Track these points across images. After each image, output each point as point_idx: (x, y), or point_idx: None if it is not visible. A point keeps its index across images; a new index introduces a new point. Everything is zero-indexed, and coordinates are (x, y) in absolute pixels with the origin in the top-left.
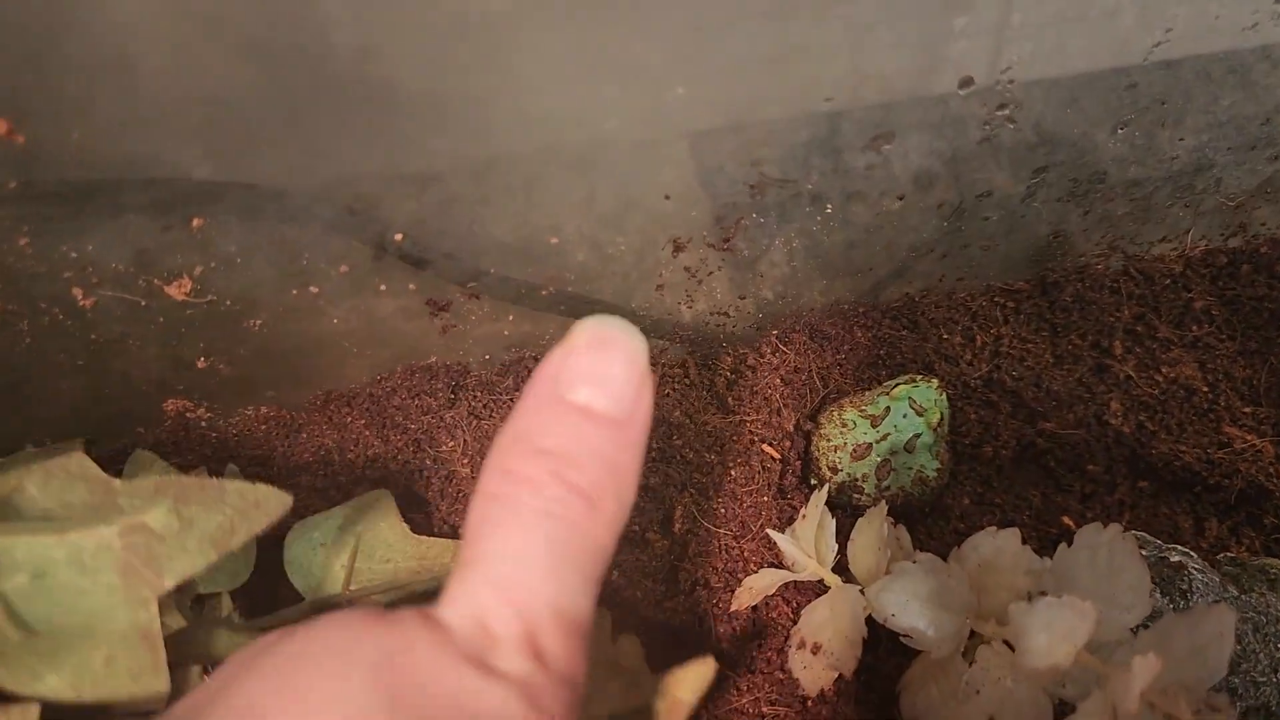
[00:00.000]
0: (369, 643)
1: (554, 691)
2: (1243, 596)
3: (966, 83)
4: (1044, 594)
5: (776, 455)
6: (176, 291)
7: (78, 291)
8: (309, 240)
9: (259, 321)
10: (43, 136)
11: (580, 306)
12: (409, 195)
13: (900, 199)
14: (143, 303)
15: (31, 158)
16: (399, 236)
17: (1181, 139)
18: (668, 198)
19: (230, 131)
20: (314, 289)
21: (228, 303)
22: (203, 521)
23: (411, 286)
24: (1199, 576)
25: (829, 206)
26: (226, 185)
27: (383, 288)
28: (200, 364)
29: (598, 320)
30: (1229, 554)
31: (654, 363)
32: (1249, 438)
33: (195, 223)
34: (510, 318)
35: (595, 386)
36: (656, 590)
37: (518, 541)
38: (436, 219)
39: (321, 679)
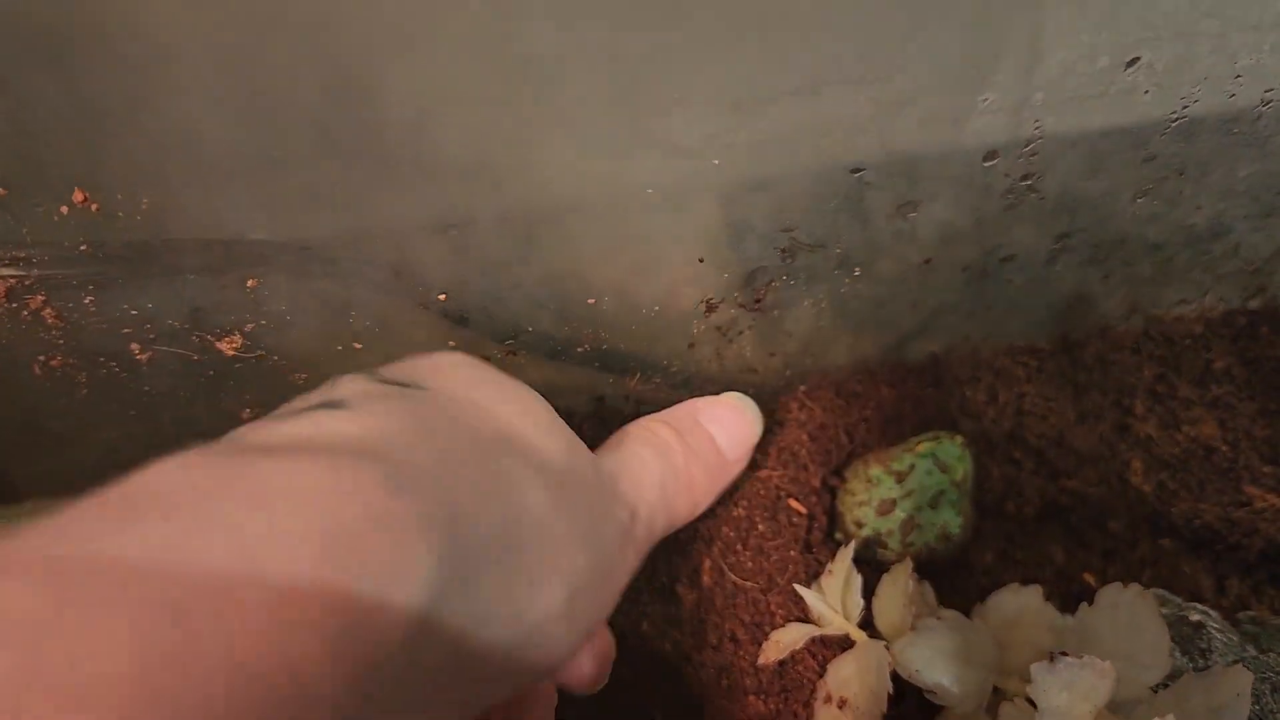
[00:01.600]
0: None
1: (636, 546)
2: (1262, 656)
3: (991, 155)
4: (1065, 654)
5: (803, 510)
6: (227, 347)
7: (135, 347)
8: (356, 299)
9: (304, 376)
10: (114, 203)
11: (614, 361)
12: (452, 257)
13: (926, 262)
14: (195, 357)
15: (102, 223)
16: (442, 296)
17: (1199, 207)
18: (701, 260)
19: (287, 196)
20: (358, 345)
21: (275, 358)
22: None
23: (451, 343)
24: (1218, 636)
25: (856, 269)
26: (281, 246)
27: (425, 345)
28: (244, 416)
29: (744, 397)
30: (1249, 612)
31: None
32: (1269, 497)
33: (250, 283)
34: (547, 370)
35: (722, 430)
36: (685, 642)
37: (648, 461)
38: (478, 280)
39: None
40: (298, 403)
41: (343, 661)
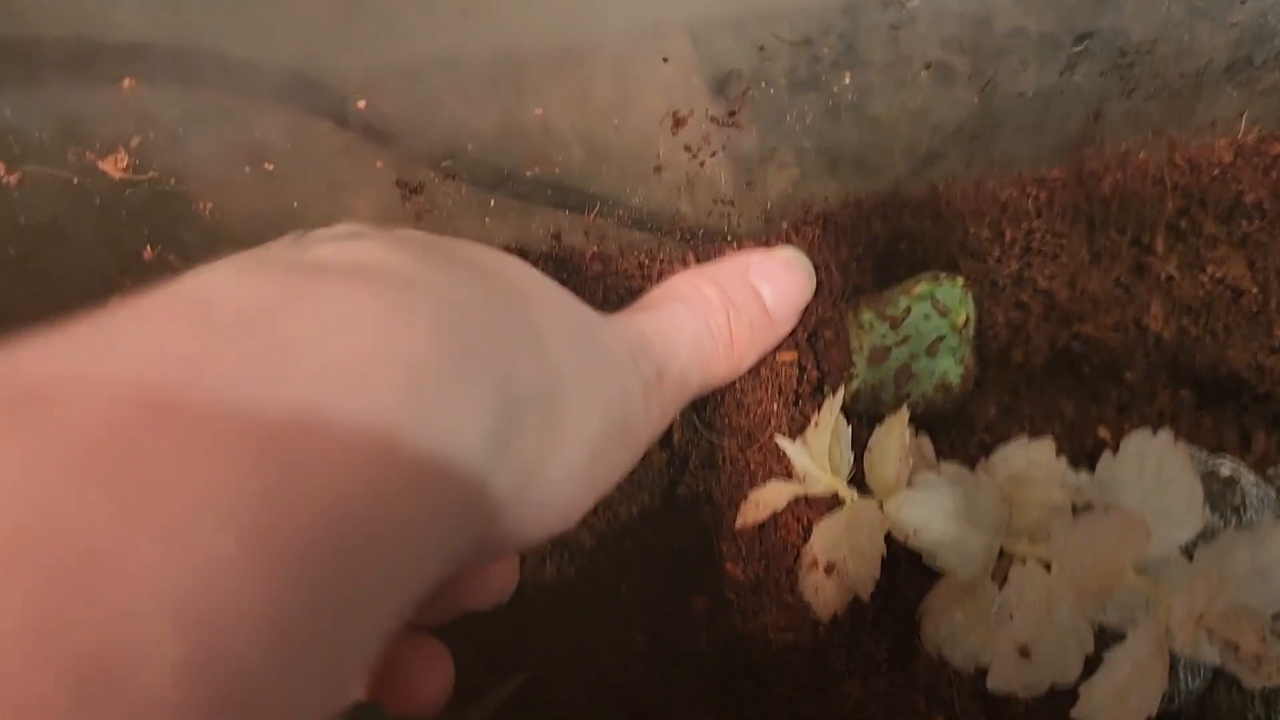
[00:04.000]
0: None
1: (662, 405)
2: None
3: None
4: (1088, 506)
5: (790, 359)
6: (112, 167)
7: (0, 166)
8: (258, 111)
9: (210, 204)
10: None
11: (569, 195)
12: (368, 55)
13: (927, 67)
14: (75, 180)
15: None
16: (361, 104)
17: (1243, 1)
18: (666, 60)
19: None
20: (269, 165)
21: (173, 180)
22: None
23: (379, 164)
24: (1254, 491)
25: (847, 76)
26: (158, 45)
27: (347, 166)
28: (147, 254)
29: (799, 253)
30: (1278, 468)
31: (651, 258)
32: None
33: (126, 83)
34: (492, 203)
35: (773, 286)
36: (655, 507)
37: (683, 319)
38: (402, 84)
39: None
40: (296, 236)
41: (424, 504)
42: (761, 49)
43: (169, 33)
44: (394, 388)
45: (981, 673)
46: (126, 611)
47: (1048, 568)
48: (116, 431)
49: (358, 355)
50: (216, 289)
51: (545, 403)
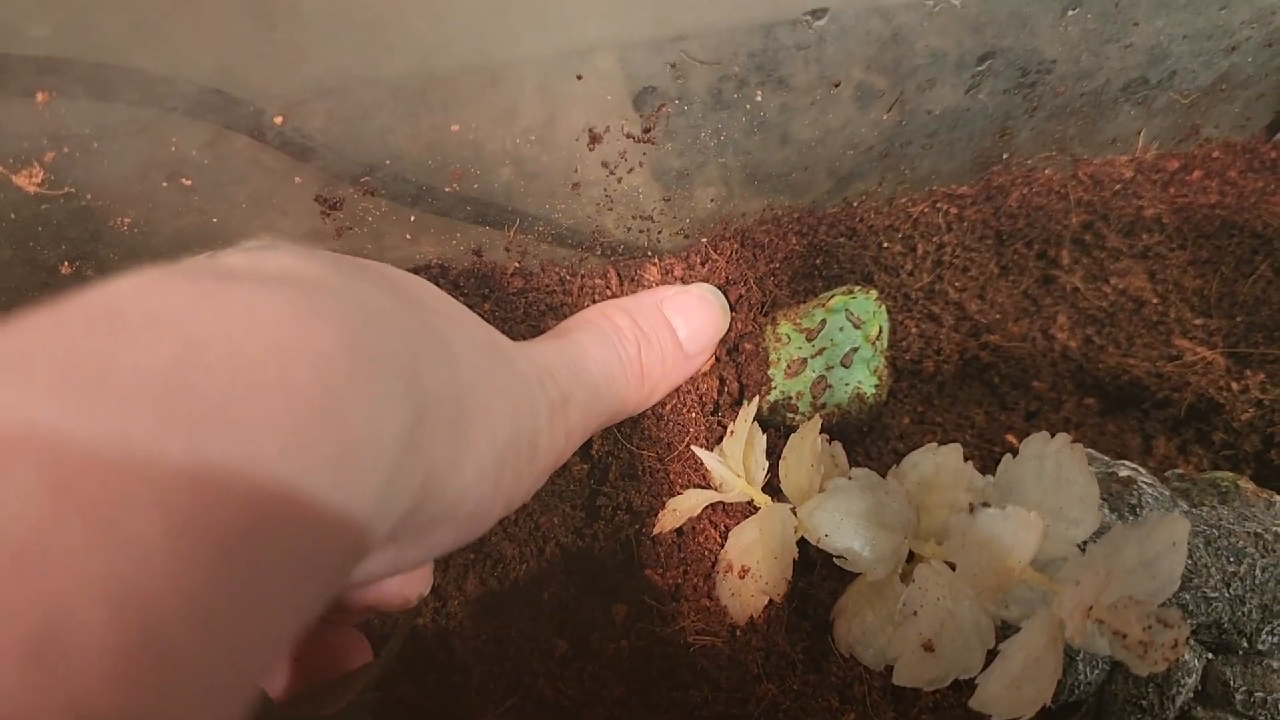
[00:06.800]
0: None
1: (567, 429)
2: (1194, 510)
3: None
4: (986, 504)
5: (707, 371)
6: (27, 182)
7: None
8: (175, 126)
9: (128, 220)
10: None
11: (488, 210)
12: (286, 69)
13: (836, 86)
14: None
15: None
16: (278, 119)
17: (1135, 23)
18: (580, 78)
19: None
20: (186, 181)
21: (88, 196)
22: None
23: (298, 180)
24: (1149, 490)
25: (759, 94)
26: (71, 59)
27: (266, 181)
28: (65, 269)
29: (713, 289)
30: (1177, 470)
31: (572, 273)
32: (1200, 350)
33: (39, 98)
34: (412, 218)
35: (686, 320)
36: (575, 517)
37: (592, 348)
38: (319, 103)
39: None
40: (210, 255)
41: (336, 498)
42: (674, 66)
43: (82, 47)
44: (304, 384)
45: (890, 669)
46: (59, 595)
47: (953, 568)
48: (37, 427)
49: (267, 354)
50: (125, 294)
51: (455, 408)
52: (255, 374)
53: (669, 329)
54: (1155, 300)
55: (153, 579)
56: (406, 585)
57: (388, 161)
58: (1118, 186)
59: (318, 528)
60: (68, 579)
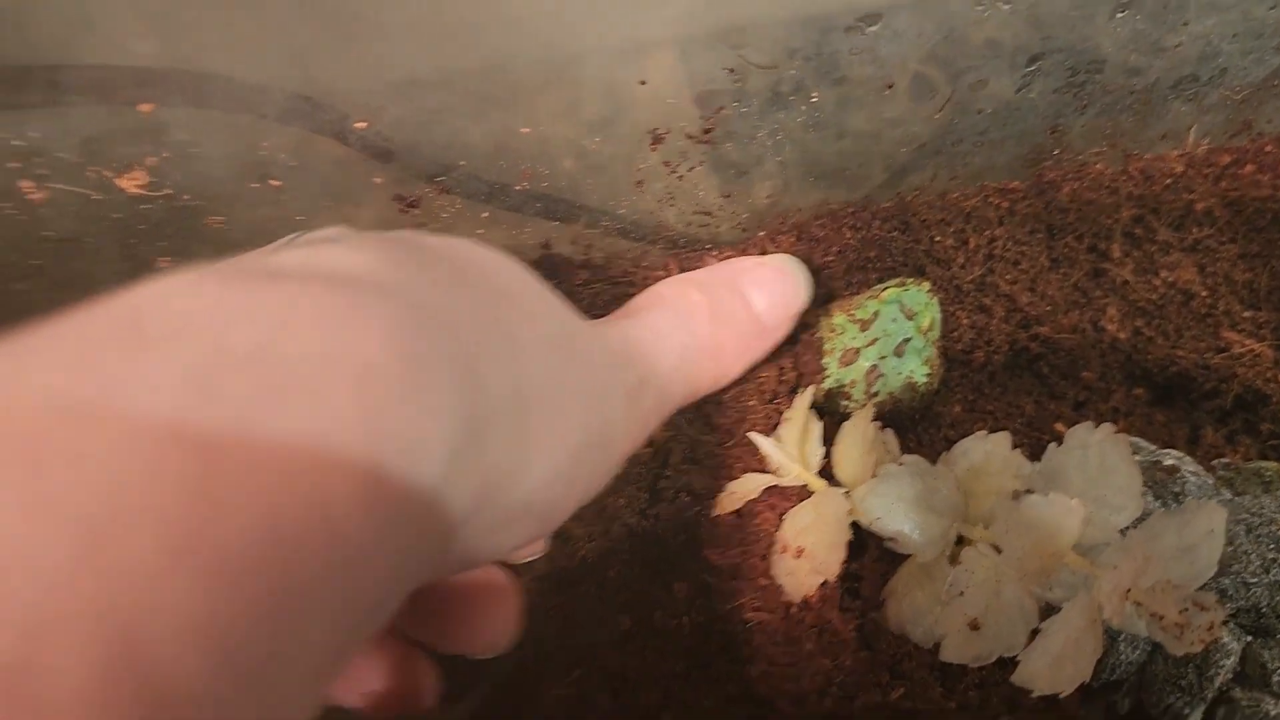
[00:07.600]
0: None
1: (643, 413)
2: (1237, 498)
3: None
4: (1030, 491)
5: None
6: (130, 184)
7: (27, 185)
8: (265, 131)
9: (220, 219)
10: None
11: (556, 206)
12: (368, 79)
13: (889, 88)
14: (95, 196)
15: None
16: (361, 124)
17: (1185, 23)
18: (644, 83)
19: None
20: (275, 182)
21: (185, 197)
22: None
23: (378, 180)
24: (1193, 479)
25: (814, 95)
26: (173, 71)
27: (347, 181)
28: (162, 265)
29: (794, 259)
30: (1224, 459)
31: (635, 265)
32: (1248, 342)
33: (144, 108)
34: (484, 215)
35: (765, 293)
36: (640, 499)
37: (666, 327)
38: (397, 107)
39: None
40: (277, 245)
41: (373, 519)
42: (732, 71)
43: (183, 60)
44: (339, 396)
45: (938, 647)
46: (38, 610)
47: (999, 551)
48: (25, 438)
49: (299, 362)
50: (147, 300)
51: (518, 408)
52: (282, 387)
53: (745, 303)
54: (1204, 293)
55: (152, 603)
56: (494, 621)
57: (462, 161)
58: (1168, 181)
59: (350, 557)
60: (50, 594)
